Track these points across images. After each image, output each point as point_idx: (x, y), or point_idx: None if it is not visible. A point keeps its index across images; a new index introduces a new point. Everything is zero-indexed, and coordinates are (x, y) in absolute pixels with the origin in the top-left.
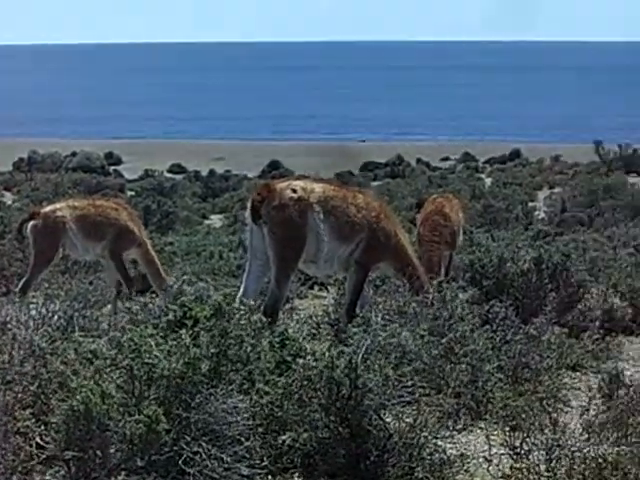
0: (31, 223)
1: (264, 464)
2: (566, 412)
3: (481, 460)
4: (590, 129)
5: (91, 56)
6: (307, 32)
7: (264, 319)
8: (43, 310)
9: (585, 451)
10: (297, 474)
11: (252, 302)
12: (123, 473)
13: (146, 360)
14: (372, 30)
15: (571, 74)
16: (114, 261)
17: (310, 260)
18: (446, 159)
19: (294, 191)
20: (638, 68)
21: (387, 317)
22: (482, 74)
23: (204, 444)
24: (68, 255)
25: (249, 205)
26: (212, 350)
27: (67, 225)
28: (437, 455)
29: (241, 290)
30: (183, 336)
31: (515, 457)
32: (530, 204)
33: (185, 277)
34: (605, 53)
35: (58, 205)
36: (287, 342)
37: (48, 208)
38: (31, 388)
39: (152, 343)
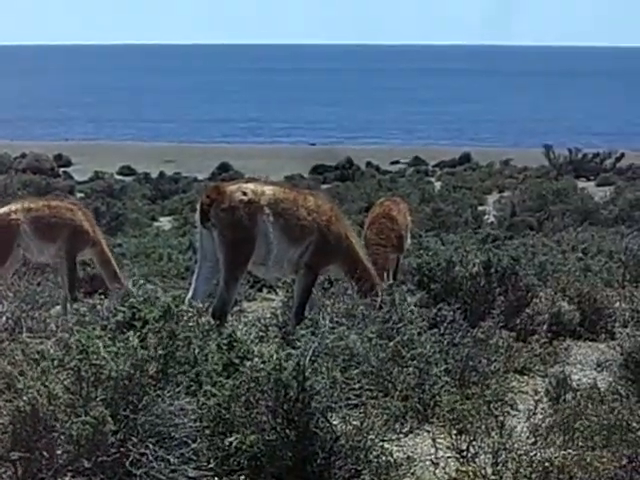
0: None
1: (211, 466)
2: (513, 416)
3: (428, 463)
4: (541, 134)
5: (42, 57)
6: (261, 34)
7: (212, 321)
8: None
9: (532, 454)
10: (244, 476)
11: (200, 304)
12: (69, 474)
13: (94, 361)
14: (327, 34)
15: (533, 79)
16: (67, 262)
17: (260, 262)
18: (396, 162)
19: (244, 194)
20: (596, 73)
21: (335, 320)
22: (438, 77)
23: (151, 446)
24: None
25: (198, 207)
26: (160, 352)
27: (21, 227)
28: (384, 458)
29: (190, 292)
30: (131, 338)
31: (462, 460)
32: (480, 208)
33: (134, 279)
34: (573, 58)
35: (13, 207)
36: (235, 344)
37: (2, 210)
38: None
39: (100, 344)
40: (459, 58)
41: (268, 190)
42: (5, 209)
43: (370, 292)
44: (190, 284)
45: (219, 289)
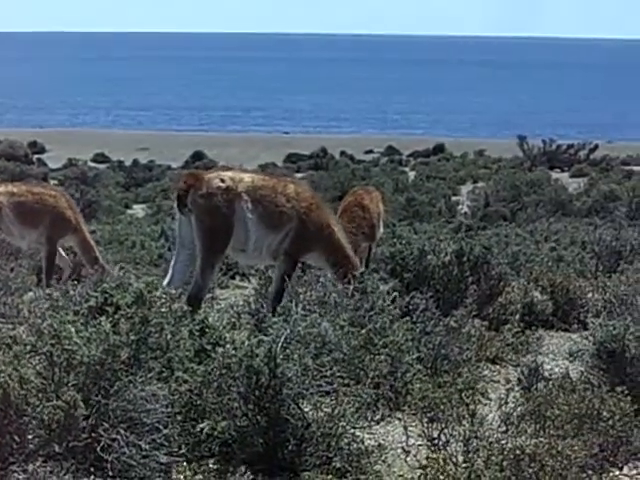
0: None
1: (182, 452)
2: (485, 404)
3: (399, 451)
4: (517, 125)
5: (20, 44)
6: (241, 24)
7: (185, 307)
8: None
9: (503, 443)
10: (214, 462)
11: (173, 290)
12: (40, 459)
13: (66, 346)
14: (306, 23)
15: (513, 70)
16: (49, 247)
17: (239, 249)
18: (370, 152)
19: (222, 181)
20: (574, 65)
21: (307, 307)
22: (416, 68)
23: (122, 431)
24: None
25: (175, 194)
26: (132, 337)
27: (3, 210)
28: (355, 445)
29: (167, 278)
30: (103, 323)
31: (433, 448)
32: (453, 198)
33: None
34: (549, 49)
35: None
36: (207, 331)
37: None
38: None
39: (72, 330)
40: (436, 49)
41: (247, 177)
42: None
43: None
44: (167, 270)
45: (195, 275)
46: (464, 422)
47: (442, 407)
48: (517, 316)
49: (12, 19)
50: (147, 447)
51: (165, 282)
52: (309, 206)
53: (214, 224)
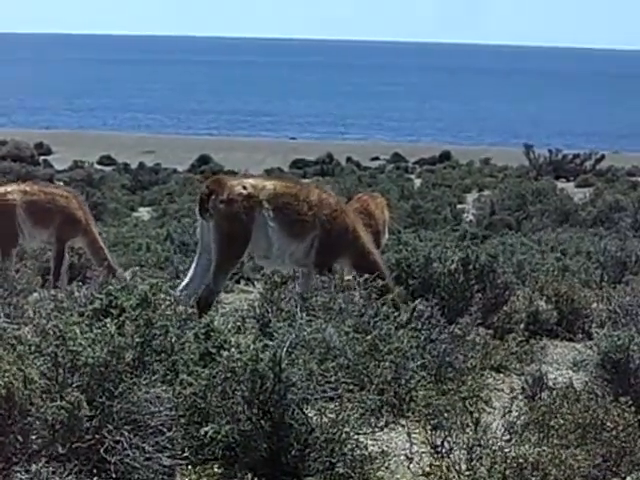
0: None
1: (185, 455)
2: (488, 413)
3: (402, 458)
4: (524, 134)
5: (23, 46)
6: (246, 28)
7: (189, 310)
8: None
9: (506, 451)
10: (218, 466)
11: (181, 293)
12: (44, 459)
13: (70, 348)
14: (314, 29)
15: (515, 78)
16: (58, 247)
17: (263, 256)
18: (376, 159)
19: (244, 188)
20: (579, 75)
21: (312, 313)
22: (411, 74)
23: (126, 433)
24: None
25: (197, 199)
26: (137, 340)
27: (17, 209)
28: (358, 451)
29: (185, 281)
30: (108, 325)
31: (436, 455)
32: (459, 206)
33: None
34: (549, 58)
35: (9, 188)
36: (212, 334)
37: None
38: None
39: (77, 331)
40: (441, 55)
41: (269, 185)
42: (0, 189)
43: (382, 288)
44: (173, 273)
45: (207, 279)
46: (468, 430)
47: (446, 414)
48: (522, 325)
49: (20, 20)
50: (151, 449)
51: (182, 285)
52: (332, 213)
53: (232, 230)
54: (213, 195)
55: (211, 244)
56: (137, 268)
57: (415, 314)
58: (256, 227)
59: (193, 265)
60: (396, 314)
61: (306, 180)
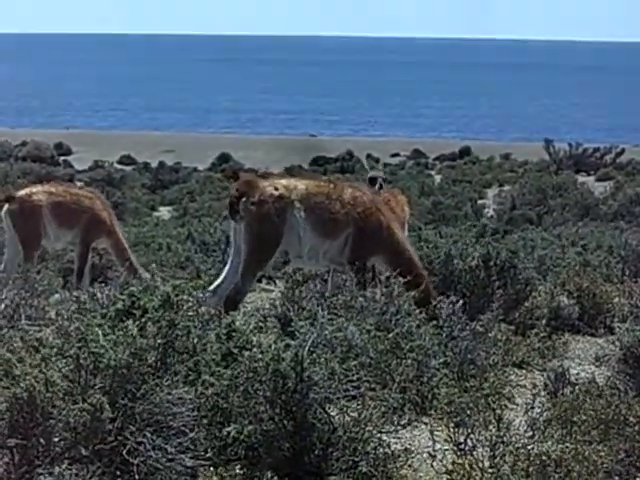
0: (7, 207)
1: (208, 455)
2: (511, 409)
3: (425, 455)
4: (546, 129)
5: (42, 46)
6: (261, 26)
7: (212, 311)
8: None
9: (529, 448)
10: (240, 466)
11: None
12: (66, 462)
13: (93, 349)
14: (329, 26)
15: (532, 72)
16: (82, 249)
17: (296, 255)
18: (396, 155)
19: (276, 189)
20: (594, 68)
21: (334, 311)
22: (434, 71)
23: (148, 434)
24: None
25: (227, 202)
26: (159, 341)
27: (43, 210)
28: (381, 450)
29: (217, 282)
30: (130, 326)
31: (459, 453)
32: (479, 202)
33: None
34: (572, 53)
35: (34, 189)
36: (234, 334)
37: (24, 192)
38: None
39: (99, 333)
40: (456, 51)
41: (301, 185)
42: (26, 190)
43: (416, 286)
44: (193, 272)
45: (235, 279)
46: (490, 427)
47: (468, 412)
48: (543, 321)
49: (41, 21)
50: (173, 451)
51: (214, 286)
52: (365, 211)
53: (262, 231)
54: (244, 197)
55: (241, 244)
56: (154, 266)
57: (437, 311)
58: (288, 228)
59: (226, 267)
60: (418, 311)
61: (326, 178)
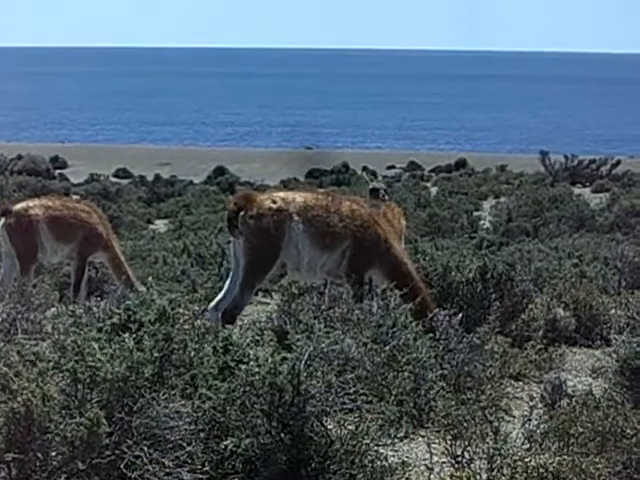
0: (3, 221)
1: (205, 469)
2: (508, 421)
3: (422, 468)
4: (543, 141)
5: (33, 60)
6: (257, 39)
7: (209, 324)
8: None
9: (527, 460)
10: (238, 479)
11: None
12: (64, 476)
13: (89, 363)
14: (326, 39)
15: (529, 84)
16: (79, 263)
17: (294, 268)
18: (392, 167)
19: (274, 202)
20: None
21: (330, 324)
22: (432, 83)
23: (146, 448)
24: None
25: (226, 217)
26: (156, 354)
27: (40, 225)
28: (378, 463)
29: (219, 297)
30: (127, 340)
31: (457, 466)
32: (475, 213)
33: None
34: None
35: (31, 203)
36: (230, 347)
37: (20, 206)
38: None
39: (96, 346)
40: (451, 64)
41: (299, 198)
42: (23, 204)
43: (413, 300)
44: (189, 285)
45: (234, 292)
46: (488, 439)
47: (465, 424)
48: (540, 333)
49: (38, 34)
50: (171, 464)
51: (215, 302)
52: (363, 224)
53: (261, 245)
54: (242, 211)
55: (240, 258)
56: (150, 279)
57: (433, 324)
58: (286, 241)
59: (227, 282)
60: (415, 324)
61: (322, 190)
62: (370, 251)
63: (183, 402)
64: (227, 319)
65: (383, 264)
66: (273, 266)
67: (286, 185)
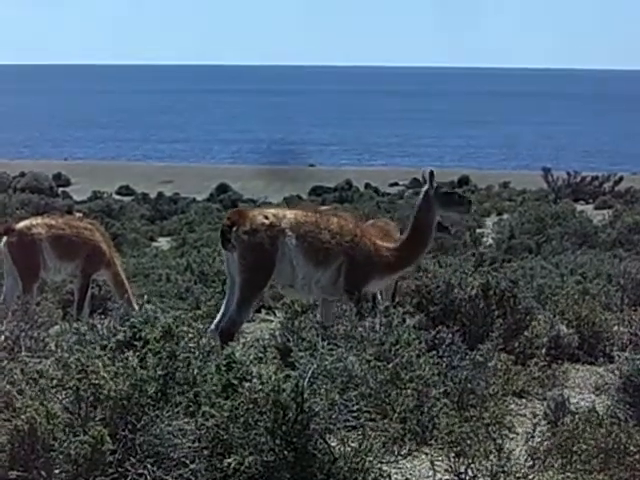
0: (5, 239)
1: None
2: (511, 438)
3: None
4: (547, 158)
5: (34, 77)
6: (260, 56)
7: (212, 342)
8: None
9: (530, 477)
10: None
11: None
12: None
13: (93, 381)
14: (325, 55)
15: (532, 101)
16: (83, 281)
17: (288, 285)
18: (395, 184)
19: (266, 217)
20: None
21: (334, 342)
22: (433, 100)
23: (149, 466)
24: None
25: (219, 231)
26: (159, 372)
27: (43, 243)
28: None
29: (218, 316)
30: (130, 358)
31: None
32: (478, 230)
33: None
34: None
35: (34, 221)
36: (234, 365)
37: (23, 224)
38: None
39: (99, 364)
40: (461, 80)
41: (289, 214)
42: (25, 223)
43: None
44: (193, 303)
45: (230, 310)
46: (491, 457)
47: (469, 442)
48: (543, 350)
49: (39, 51)
50: None
51: (215, 322)
52: (353, 239)
53: (256, 260)
54: (235, 226)
55: (235, 275)
56: (146, 297)
57: (436, 341)
58: (280, 256)
59: (224, 301)
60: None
61: (324, 208)
62: (365, 264)
63: (187, 420)
64: (225, 337)
65: (380, 272)
66: (268, 282)
67: (289, 203)
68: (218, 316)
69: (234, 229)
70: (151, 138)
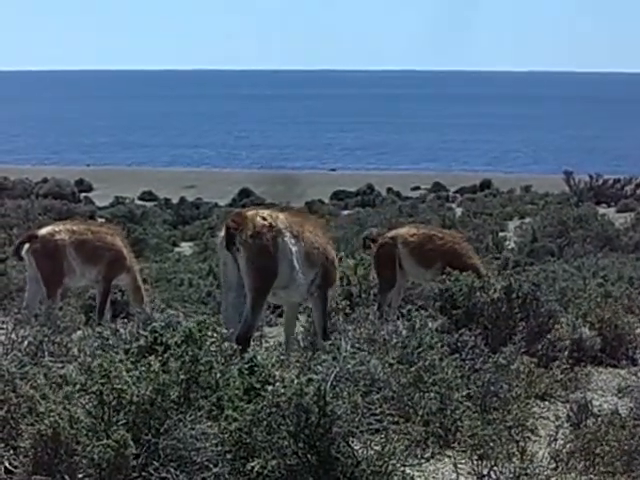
0: (28, 246)
1: None
2: (534, 441)
3: None
4: (572, 161)
5: (51, 83)
6: (278, 61)
7: (235, 346)
8: (13, 335)
9: None
10: None
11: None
12: None
13: (116, 386)
14: (345, 60)
15: (552, 104)
16: (104, 285)
17: (282, 286)
18: (417, 189)
19: (264, 218)
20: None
21: (356, 345)
22: (457, 104)
23: (172, 470)
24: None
25: (223, 233)
26: (182, 376)
27: (67, 249)
28: None
29: (222, 319)
30: (153, 362)
31: None
32: (500, 234)
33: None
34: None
35: (56, 227)
36: (256, 369)
37: (45, 230)
38: (0, 413)
39: (122, 369)
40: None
41: (281, 215)
42: (49, 229)
43: None
44: (216, 310)
45: (244, 314)
46: (514, 459)
47: (492, 444)
48: (566, 352)
49: (64, 58)
50: None
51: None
52: (328, 241)
53: (264, 263)
54: (240, 229)
55: (244, 279)
56: (154, 304)
57: (459, 344)
58: (281, 256)
59: (223, 306)
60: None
61: (347, 212)
62: (331, 265)
63: (209, 424)
64: (242, 343)
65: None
66: (275, 280)
67: (310, 207)
68: (222, 320)
69: (239, 232)
70: (175, 143)
